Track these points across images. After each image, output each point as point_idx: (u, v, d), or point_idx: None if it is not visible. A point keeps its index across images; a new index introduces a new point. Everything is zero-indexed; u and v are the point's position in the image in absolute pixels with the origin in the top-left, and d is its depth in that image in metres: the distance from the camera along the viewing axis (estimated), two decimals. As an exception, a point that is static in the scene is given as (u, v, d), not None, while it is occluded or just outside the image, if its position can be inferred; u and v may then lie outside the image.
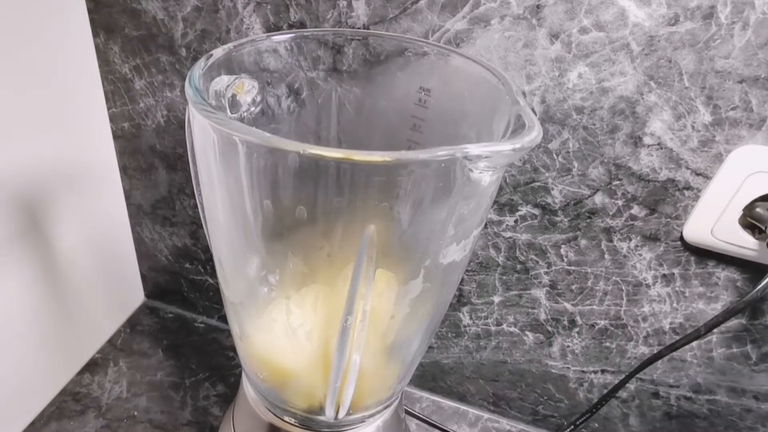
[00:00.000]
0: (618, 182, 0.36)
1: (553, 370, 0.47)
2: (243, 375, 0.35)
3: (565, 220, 0.39)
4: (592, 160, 0.36)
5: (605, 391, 0.43)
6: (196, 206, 0.50)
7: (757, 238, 0.34)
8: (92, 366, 0.52)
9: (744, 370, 0.40)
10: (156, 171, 0.49)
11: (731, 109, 0.32)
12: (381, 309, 0.27)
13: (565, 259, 0.40)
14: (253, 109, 0.30)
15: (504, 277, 0.43)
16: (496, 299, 0.44)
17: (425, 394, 0.53)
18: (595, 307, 0.42)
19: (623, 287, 0.40)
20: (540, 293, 0.43)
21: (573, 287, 0.41)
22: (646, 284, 0.39)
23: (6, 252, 0.40)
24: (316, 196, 0.23)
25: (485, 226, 0.41)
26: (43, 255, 0.43)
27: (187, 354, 0.55)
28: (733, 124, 0.32)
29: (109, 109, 0.46)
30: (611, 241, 0.39)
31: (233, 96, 0.28)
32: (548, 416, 0.50)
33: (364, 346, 0.27)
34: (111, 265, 0.53)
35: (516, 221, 0.40)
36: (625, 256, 0.39)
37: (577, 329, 0.43)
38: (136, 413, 0.48)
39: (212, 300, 0.57)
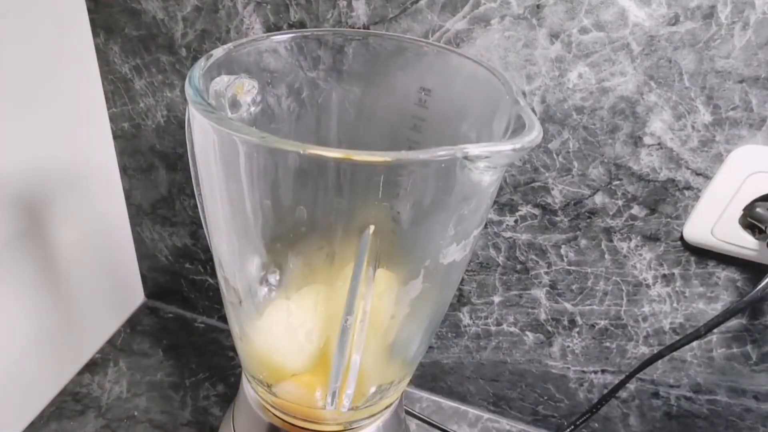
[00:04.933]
0: (618, 182, 0.36)
1: (553, 370, 0.47)
2: (243, 375, 0.35)
3: (565, 220, 0.39)
4: (592, 160, 0.36)
5: (605, 391, 0.43)
6: (196, 206, 0.50)
7: (757, 238, 0.34)
8: (92, 366, 0.52)
9: (744, 370, 0.40)
10: (156, 171, 0.49)
11: (731, 109, 0.32)
12: (381, 309, 0.27)
13: (565, 259, 0.40)
14: (253, 109, 0.30)
15: (504, 277, 0.43)
16: (496, 299, 0.44)
17: (425, 394, 0.53)
18: (595, 307, 0.42)
19: (623, 287, 0.40)
20: (540, 293, 0.43)
21: (573, 287, 0.41)
22: (646, 284, 0.39)
23: (6, 252, 0.40)
24: (316, 196, 0.23)
25: (485, 226, 0.41)
26: (43, 255, 0.43)
27: (187, 354, 0.55)
28: (734, 124, 0.32)
29: (109, 109, 0.46)
30: (611, 241, 0.39)
31: (233, 96, 0.28)
32: (548, 416, 0.50)
33: (364, 346, 0.27)
34: (111, 265, 0.53)
35: (516, 221, 0.40)
36: (625, 256, 0.39)
37: (577, 329, 0.43)
38: (136, 413, 0.48)
39: (212, 300, 0.57)
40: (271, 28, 0.38)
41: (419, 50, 0.32)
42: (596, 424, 0.48)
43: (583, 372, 0.46)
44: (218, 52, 0.27)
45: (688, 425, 0.45)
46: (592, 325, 0.43)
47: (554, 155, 0.36)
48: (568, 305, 0.42)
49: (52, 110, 0.41)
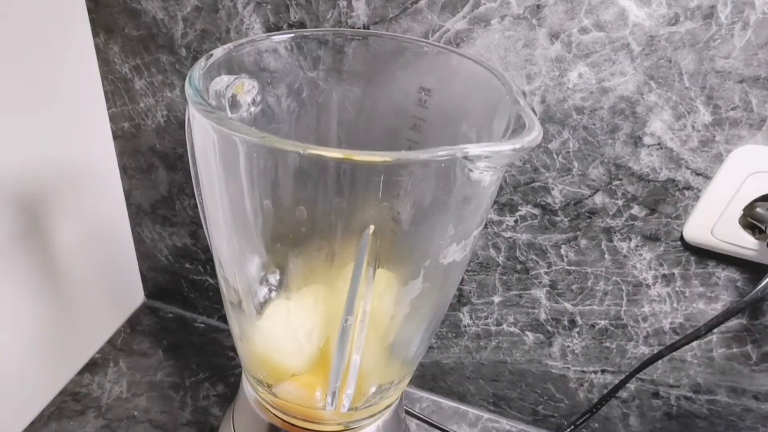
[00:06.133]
0: (618, 182, 0.36)
1: (553, 370, 0.47)
2: (243, 375, 0.35)
3: (565, 220, 0.39)
4: (592, 160, 0.36)
5: (605, 391, 0.43)
6: (196, 206, 0.50)
7: (757, 238, 0.34)
8: (92, 366, 0.52)
9: (744, 370, 0.40)
10: (156, 171, 0.49)
11: (731, 109, 0.32)
12: (381, 309, 0.27)
13: (565, 259, 0.40)
14: (253, 109, 0.30)
15: (504, 277, 0.43)
16: (496, 299, 0.44)
17: (425, 394, 0.53)
18: (595, 307, 0.42)
19: (623, 287, 0.40)
20: (540, 293, 0.43)
21: (573, 287, 0.41)
22: (646, 284, 0.39)
23: (6, 252, 0.40)
24: (316, 196, 0.23)
25: (485, 226, 0.41)
26: (43, 255, 0.43)
27: (187, 354, 0.55)
28: (733, 124, 0.32)
29: (109, 109, 0.46)
30: (611, 241, 0.39)
31: (233, 96, 0.28)
32: (548, 416, 0.50)
33: (364, 346, 0.27)
34: (111, 265, 0.53)
35: (516, 221, 0.40)
36: (625, 256, 0.39)
37: (577, 329, 0.43)
38: (136, 413, 0.48)
39: (212, 300, 0.57)
40: (271, 28, 0.38)
41: (419, 50, 0.32)
42: (596, 424, 0.48)
43: (583, 372, 0.46)
44: (218, 52, 0.27)
45: (688, 425, 0.45)
46: (592, 325, 0.43)
47: (554, 155, 0.36)
48: (568, 305, 0.42)
49: (52, 110, 0.41)
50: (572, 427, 0.45)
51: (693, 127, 0.33)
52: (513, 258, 0.42)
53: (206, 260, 0.54)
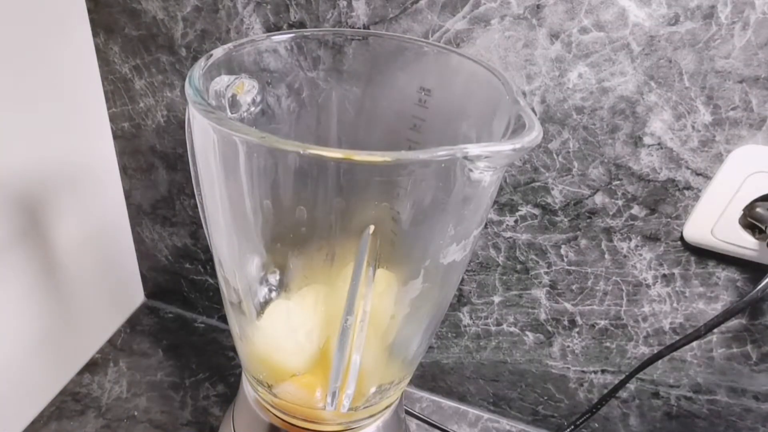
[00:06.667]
0: (618, 182, 0.36)
1: (553, 370, 0.47)
2: (243, 375, 0.35)
3: (565, 220, 0.39)
4: (592, 160, 0.36)
5: (605, 391, 0.43)
6: (196, 206, 0.50)
7: (757, 238, 0.34)
8: (92, 366, 0.52)
9: (744, 370, 0.40)
10: (156, 171, 0.49)
11: (731, 109, 0.32)
12: (381, 309, 0.27)
13: (565, 259, 0.40)
14: (253, 109, 0.30)
15: (504, 277, 0.43)
16: (496, 299, 0.44)
17: (425, 394, 0.53)
18: (595, 307, 0.42)
19: (623, 287, 0.40)
20: (540, 293, 0.43)
21: (573, 287, 0.41)
22: (646, 284, 0.39)
23: (6, 252, 0.40)
24: (316, 196, 0.23)
25: (485, 226, 0.41)
26: (43, 255, 0.43)
27: (187, 354, 0.55)
28: (733, 124, 0.32)
29: (109, 109, 0.46)
30: (611, 241, 0.39)
31: (233, 96, 0.28)
32: (548, 416, 0.50)
33: (364, 346, 0.27)
34: (111, 265, 0.53)
35: (516, 221, 0.40)
36: (625, 256, 0.39)
37: (577, 329, 0.43)
38: (136, 413, 0.48)
39: (212, 300, 0.57)
40: (271, 28, 0.38)
41: (419, 50, 0.32)
42: (596, 424, 0.48)
43: (583, 372, 0.46)
44: (218, 52, 0.27)
45: (688, 425, 0.45)
46: (592, 325, 0.43)
47: (554, 155, 0.36)
48: (568, 305, 0.42)
49: (52, 110, 0.41)
50: (572, 427, 0.45)
51: (693, 127, 0.33)
52: (513, 258, 0.42)
53: (206, 260, 0.54)
